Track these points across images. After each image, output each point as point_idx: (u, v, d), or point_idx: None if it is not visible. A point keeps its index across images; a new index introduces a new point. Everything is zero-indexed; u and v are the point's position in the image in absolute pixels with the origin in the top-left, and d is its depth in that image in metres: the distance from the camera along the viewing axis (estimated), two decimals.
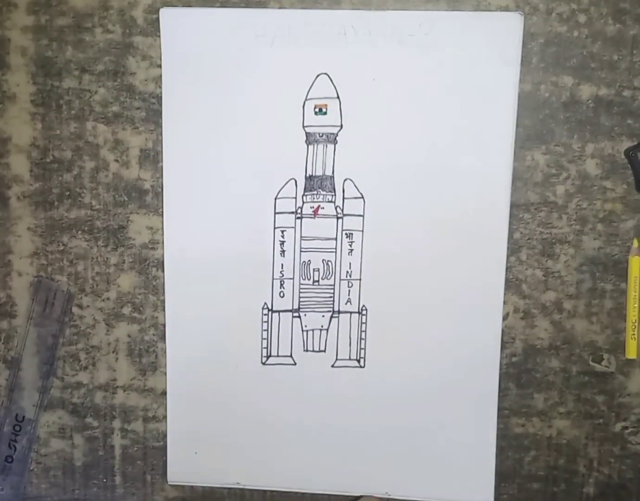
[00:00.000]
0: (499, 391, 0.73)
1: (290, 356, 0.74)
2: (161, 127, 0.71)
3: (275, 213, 0.71)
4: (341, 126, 0.70)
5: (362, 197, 0.71)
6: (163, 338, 0.74)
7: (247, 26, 0.69)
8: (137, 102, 0.71)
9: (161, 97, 0.70)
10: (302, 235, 0.72)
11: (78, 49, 0.71)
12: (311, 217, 0.72)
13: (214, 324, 0.73)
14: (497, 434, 0.73)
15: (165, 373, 0.75)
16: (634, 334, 0.71)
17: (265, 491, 0.77)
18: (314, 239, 0.72)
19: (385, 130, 0.70)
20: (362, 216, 0.71)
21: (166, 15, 0.69)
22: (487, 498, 0.74)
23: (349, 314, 0.73)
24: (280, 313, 0.73)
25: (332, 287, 0.72)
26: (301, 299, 0.73)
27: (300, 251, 0.72)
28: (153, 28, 0.70)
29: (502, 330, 0.72)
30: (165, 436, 0.76)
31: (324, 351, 0.73)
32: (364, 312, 0.72)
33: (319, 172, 0.71)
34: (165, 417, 0.76)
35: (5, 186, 0.73)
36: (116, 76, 0.71)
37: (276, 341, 0.73)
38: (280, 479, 0.76)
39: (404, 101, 0.69)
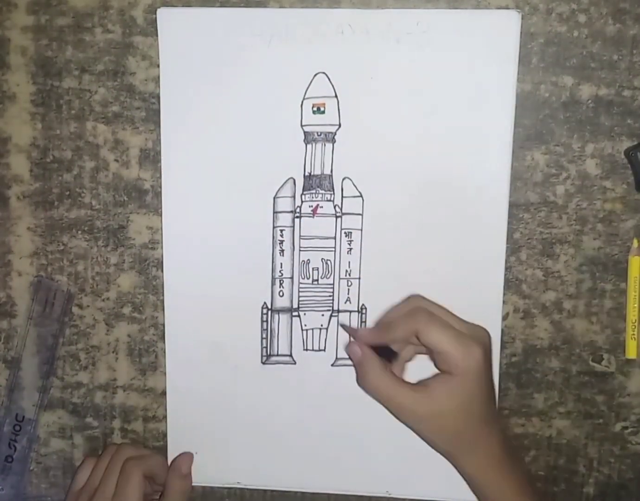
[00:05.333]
0: (499, 391, 0.73)
1: (290, 355, 0.74)
2: (160, 127, 0.71)
3: (274, 212, 0.71)
4: (339, 125, 0.70)
5: (361, 195, 0.71)
6: (163, 337, 0.74)
7: (244, 25, 0.69)
8: (137, 102, 0.71)
9: (160, 97, 0.71)
10: (301, 234, 0.72)
11: (78, 49, 0.71)
12: (310, 217, 0.72)
13: (214, 324, 0.73)
14: None
15: (165, 373, 0.75)
16: (634, 334, 0.71)
17: (265, 491, 0.77)
18: (313, 238, 0.72)
19: (383, 128, 0.70)
20: (361, 214, 0.71)
21: (163, 15, 0.69)
22: None
23: (348, 313, 0.73)
24: (280, 313, 0.73)
25: (332, 286, 0.72)
26: (300, 299, 0.73)
27: (300, 250, 0.72)
28: (153, 28, 0.70)
29: (502, 330, 0.72)
30: (165, 436, 0.76)
31: (324, 350, 0.73)
32: (363, 311, 0.72)
33: (318, 171, 0.71)
34: (165, 417, 0.76)
35: (5, 186, 0.73)
36: (116, 76, 0.71)
37: (276, 340, 0.73)
38: (280, 479, 0.76)
39: (402, 99, 0.69)
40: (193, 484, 0.76)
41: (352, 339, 0.71)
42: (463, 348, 0.63)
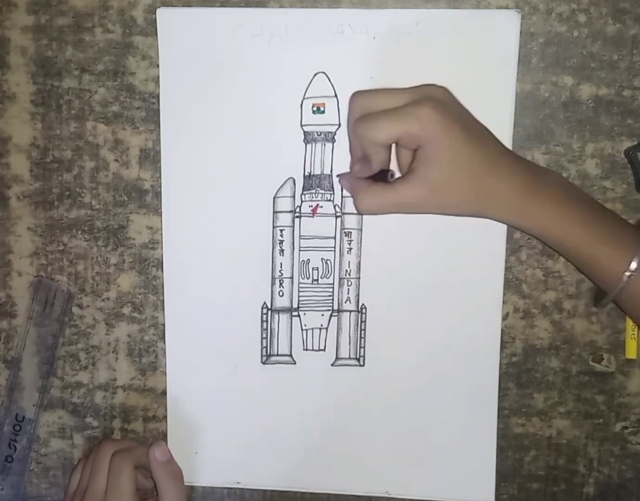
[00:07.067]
0: (499, 391, 0.73)
1: (290, 355, 0.74)
2: (160, 127, 0.71)
3: (273, 212, 0.71)
4: (339, 125, 0.70)
5: None
6: (163, 337, 0.74)
7: (244, 26, 0.69)
8: (137, 102, 0.71)
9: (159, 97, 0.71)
10: (301, 234, 0.72)
11: (78, 49, 0.71)
12: (310, 216, 0.72)
13: (214, 324, 0.74)
14: (497, 434, 0.73)
15: (165, 373, 0.75)
16: (634, 334, 0.71)
17: (265, 491, 0.76)
18: (312, 238, 0.72)
19: None
20: (361, 214, 0.71)
21: (163, 15, 0.70)
22: (487, 497, 0.74)
23: (348, 313, 0.73)
24: (280, 312, 0.73)
25: (332, 286, 0.72)
26: (300, 298, 0.73)
27: (299, 250, 0.72)
28: (153, 28, 0.70)
29: (502, 330, 0.72)
30: (165, 436, 0.76)
31: (324, 350, 0.73)
32: (363, 310, 0.72)
33: (317, 171, 0.71)
34: (165, 417, 0.76)
35: (5, 186, 0.73)
36: (116, 76, 0.71)
37: (276, 340, 0.73)
38: (280, 479, 0.76)
39: None
40: (193, 484, 0.76)
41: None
42: (409, 120, 0.61)
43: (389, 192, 0.64)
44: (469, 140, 0.62)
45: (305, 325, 0.73)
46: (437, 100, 0.62)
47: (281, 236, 0.72)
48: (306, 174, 0.71)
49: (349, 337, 0.73)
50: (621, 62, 0.69)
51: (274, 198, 0.71)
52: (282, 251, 0.72)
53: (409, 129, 0.61)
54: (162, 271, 0.73)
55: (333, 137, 0.70)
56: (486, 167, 0.62)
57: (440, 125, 0.61)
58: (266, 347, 0.74)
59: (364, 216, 0.71)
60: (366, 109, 0.64)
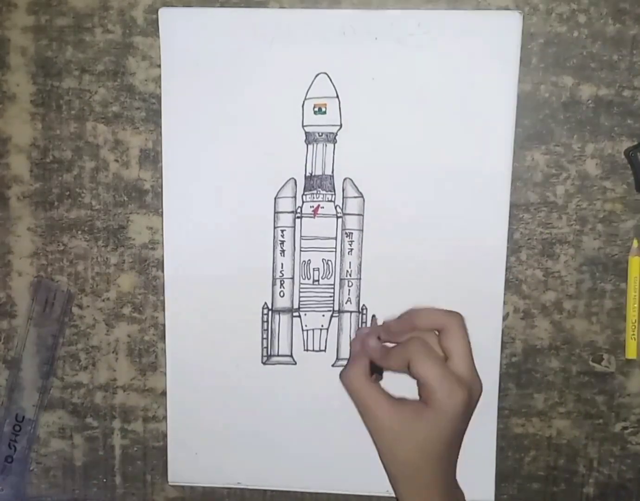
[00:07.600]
0: (499, 391, 0.73)
1: (291, 355, 0.74)
2: (161, 127, 0.71)
3: (275, 213, 0.71)
4: (340, 125, 0.70)
5: (362, 196, 0.71)
6: (163, 338, 0.74)
7: (246, 26, 0.69)
8: (137, 102, 0.71)
9: (161, 97, 0.70)
10: (302, 235, 0.72)
11: (78, 49, 0.71)
12: (311, 217, 0.72)
13: (214, 324, 0.73)
14: (497, 434, 0.73)
15: (165, 373, 0.75)
16: (633, 334, 0.71)
17: (265, 491, 0.77)
18: (313, 239, 0.72)
19: (384, 129, 0.70)
20: (362, 215, 0.71)
21: (165, 15, 0.69)
22: (487, 497, 0.74)
23: (349, 314, 0.73)
24: (280, 313, 0.73)
25: (332, 286, 0.72)
26: (301, 299, 0.73)
27: (300, 250, 0.72)
28: (153, 28, 0.70)
29: (502, 330, 0.72)
30: (165, 436, 0.76)
31: (325, 350, 0.73)
32: (364, 311, 0.72)
33: (319, 172, 0.71)
34: (165, 417, 0.76)
35: (5, 186, 0.73)
36: (116, 76, 0.71)
37: (276, 340, 0.73)
38: (280, 479, 0.76)
39: (403, 100, 0.69)
40: (193, 484, 0.76)
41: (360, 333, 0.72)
42: (448, 386, 0.63)
43: (370, 394, 0.65)
44: (451, 437, 0.64)
45: (306, 326, 0.73)
46: (472, 395, 0.65)
47: (282, 236, 0.72)
48: (307, 174, 0.71)
49: (350, 338, 0.73)
50: (621, 62, 0.69)
51: (275, 199, 0.71)
52: (283, 251, 0.72)
53: (439, 392, 0.63)
54: (162, 271, 0.73)
55: (334, 138, 0.70)
56: (435, 464, 0.65)
57: (455, 413, 0.63)
58: (267, 347, 0.74)
59: (365, 217, 0.71)
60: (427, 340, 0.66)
